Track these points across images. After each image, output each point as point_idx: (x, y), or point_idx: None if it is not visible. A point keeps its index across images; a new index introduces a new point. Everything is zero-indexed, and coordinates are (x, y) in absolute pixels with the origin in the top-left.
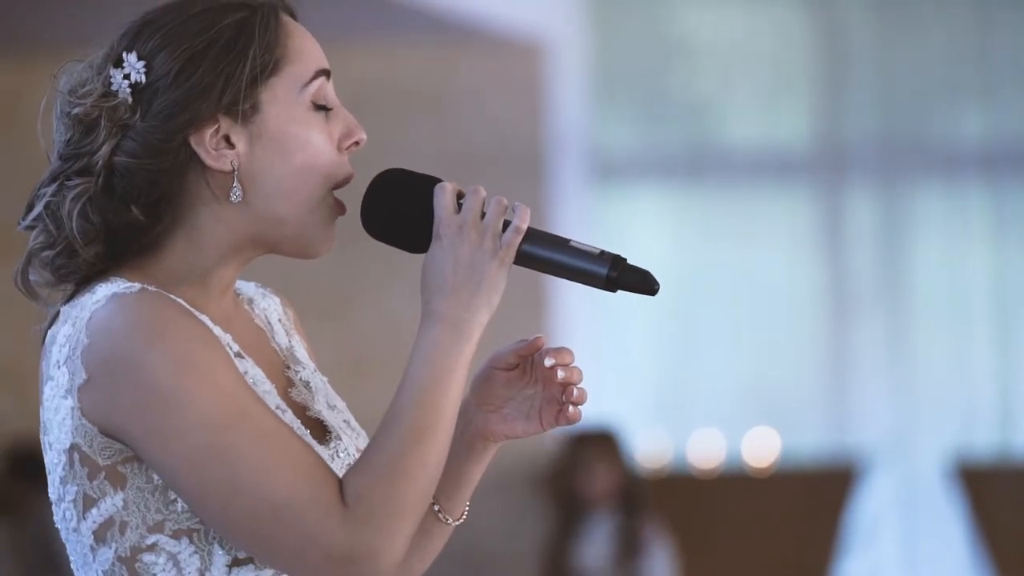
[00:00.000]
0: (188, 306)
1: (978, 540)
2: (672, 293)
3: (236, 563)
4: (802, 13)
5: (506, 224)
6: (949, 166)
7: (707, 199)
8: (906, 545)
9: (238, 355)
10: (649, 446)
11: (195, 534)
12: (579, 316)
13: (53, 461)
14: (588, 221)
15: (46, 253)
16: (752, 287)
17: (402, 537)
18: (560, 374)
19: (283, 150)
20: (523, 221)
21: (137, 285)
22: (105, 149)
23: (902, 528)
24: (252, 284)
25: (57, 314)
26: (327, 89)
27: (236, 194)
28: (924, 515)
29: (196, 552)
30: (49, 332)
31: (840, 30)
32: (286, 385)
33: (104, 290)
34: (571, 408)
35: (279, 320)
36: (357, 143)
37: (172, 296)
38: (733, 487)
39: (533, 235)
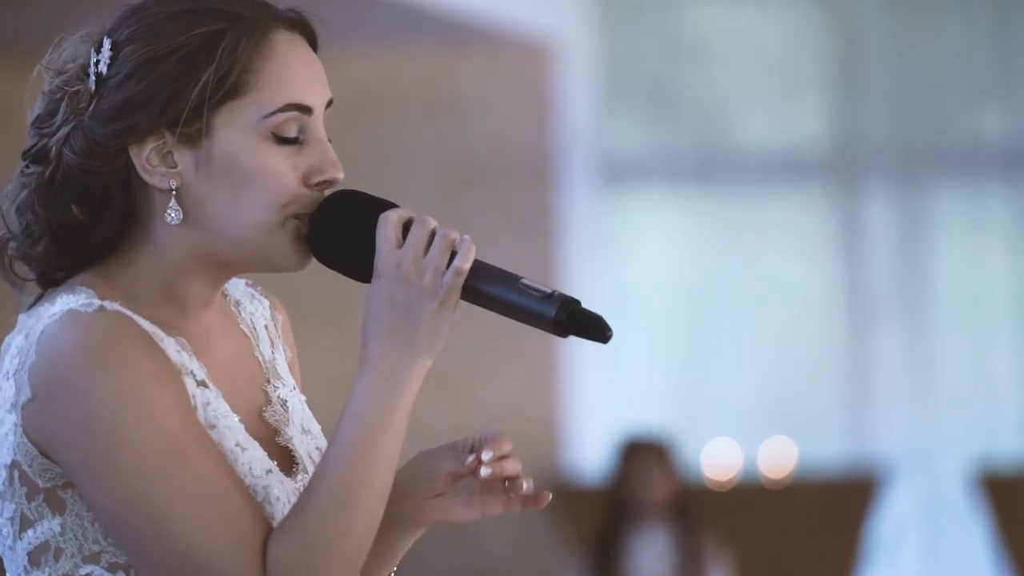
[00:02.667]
0: (153, 328)
1: (1002, 551)
2: (684, 299)
3: None
4: (815, 11)
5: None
6: (968, 167)
7: (719, 202)
8: (929, 557)
9: (202, 384)
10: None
11: (132, 569)
12: None
13: None
14: (597, 226)
15: (11, 244)
16: (766, 292)
17: None
18: (484, 471)
19: (230, 178)
20: (465, 261)
21: (96, 302)
22: (60, 135)
23: (924, 540)
24: (242, 283)
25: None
26: (304, 121)
27: (171, 215)
28: (947, 526)
29: None
30: (6, 339)
31: (854, 28)
32: (263, 403)
33: (62, 303)
34: (521, 491)
35: (265, 326)
36: (329, 182)
37: (135, 317)
38: (749, 498)
39: (481, 270)
